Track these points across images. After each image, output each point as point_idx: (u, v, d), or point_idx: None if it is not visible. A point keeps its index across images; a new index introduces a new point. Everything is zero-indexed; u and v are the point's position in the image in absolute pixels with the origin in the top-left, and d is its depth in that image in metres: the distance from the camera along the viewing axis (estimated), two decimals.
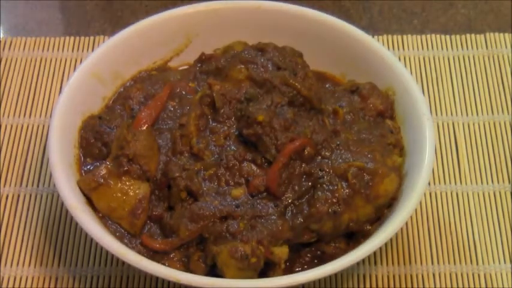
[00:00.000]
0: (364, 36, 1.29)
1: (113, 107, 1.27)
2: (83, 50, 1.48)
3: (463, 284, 1.22)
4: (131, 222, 1.16)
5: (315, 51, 1.31)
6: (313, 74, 1.23)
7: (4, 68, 1.45)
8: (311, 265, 1.15)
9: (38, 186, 1.31)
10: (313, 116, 1.20)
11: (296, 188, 1.14)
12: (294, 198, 1.14)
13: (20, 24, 1.56)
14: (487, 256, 1.25)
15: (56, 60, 1.46)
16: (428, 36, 1.50)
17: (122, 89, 1.30)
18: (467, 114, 1.40)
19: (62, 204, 1.27)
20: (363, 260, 1.22)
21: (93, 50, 1.44)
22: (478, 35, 1.50)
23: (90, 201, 1.16)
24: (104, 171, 1.16)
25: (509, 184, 1.32)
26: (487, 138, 1.37)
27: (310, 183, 1.14)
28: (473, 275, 1.23)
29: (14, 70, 1.44)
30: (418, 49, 1.48)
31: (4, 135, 1.36)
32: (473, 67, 1.46)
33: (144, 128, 1.20)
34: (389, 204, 1.17)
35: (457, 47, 1.48)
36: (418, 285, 1.22)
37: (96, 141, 1.22)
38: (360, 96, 1.24)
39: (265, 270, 1.12)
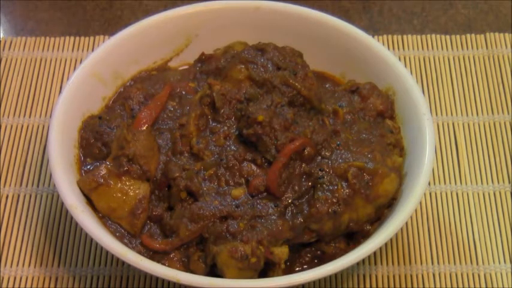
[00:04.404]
0: (364, 36, 1.29)
1: (113, 107, 1.27)
2: (83, 50, 1.48)
3: (463, 284, 1.22)
4: (131, 222, 1.16)
5: (315, 51, 1.31)
6: (313, 74, 1.23)
7: (4, 68, 1.45)
8: (311, 265, 1.15)
9: (38, 186, 1.31)
10: (313, 116, 1.20)
11: (296, 188, 1.14)
12: (294, 198, 1.14)
13: (20, 24, 1.56)
14: (487, 256, 1.25)
15: (56, 60, 1.46)
16: (428, 36, 1.50)
17: (121, 89, 1.30)
18: (467, 114, 1.40)
19: (62, 204, 1.27)
20: (363, 260, 1.22)
21: (93, 50, 1.44)
22: (478, 35, 1.50)
23: (90, 201, 1.16)
24: (104, 171, 1.16)
25: (509, 184, 1.32)
26: (487, 138, 1.37)
27: (310, 183, 1.14)
28: (473, 275, 1.23)
29: (14, 70, 1.45)
30: (418, 49, 1.48)
31: (4, 135, 1.36)
32: (473, 67, 1.46)
33: (144, 128, 1.20)
34: (390, 204, 1.17)
35: (457, 47, 1.48)
36: (418, 285, 1.22)
37: (96, 141, 1.22)
38: (360, 96, 1.24)
39: (265, 270, 1.12)
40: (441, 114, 1.40)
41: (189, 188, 1.14)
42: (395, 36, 1.50)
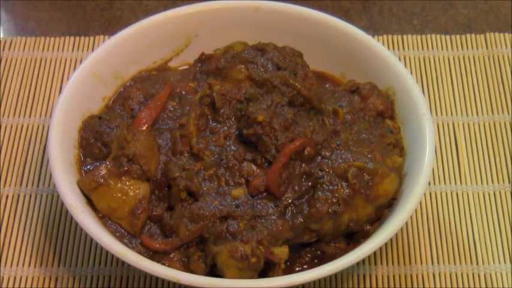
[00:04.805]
0: (364, 36, 1.29)
1: (113, 107, 1.27)
2: (83, 50, 1.48)
3: (463, 284, 1.22)
4: (131, 222, 1.16)
5: (315, 51, 1.31)
6: (313, 74, 1.23)
7: (4, 68, 1.45)
8: (311, 265, 1.15)
9: (38, 186, 1.31)
10: (313, 116, 1.20)
11: (296, 188, 1.14)
12: (294, 198, 1.14)
13: (20, 24, 1.56)
14: (487, 256, 1.25)
15: (56, 60, 1.46)
16: (428, 36, 1.50)
17: (122, 89, 1.30)
18: (467, 114, 1.40)
19: (62, 204, 1.27)
20: (363, 260, 1.22)
21: (93, 50, 1.44)
22: (478, 35, 1.50)
23: (90, 201, 1.16)
24: (104, 171, 1.16)
25: (509, 184, 1.32)
26: (487, 138, 1.37)
27: (310, 183, 1.14)
28: (473, 275, 1.23)
29: (14, 70, 1.45)
30: (418, 49, 1.48)
31: (4, 135, 1.36)
32: (473, 67, 1.46)
33: (144, 128, 1.20)
34: (390, 204, 1.17)
35: (457, 47, 1.48)
36: (418, 285, 1.22)
37: (96, 141, 1.22)
38: (360, 96, 1.24)
39: (265, 270, 1.12)
40: (441, 114, 1.40)
41: (189, 188, 1.14)
42: (395, 36, 1.50)
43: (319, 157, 1.16)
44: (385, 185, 1.14)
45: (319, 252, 1.17)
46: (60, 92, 1.39)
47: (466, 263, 1.24)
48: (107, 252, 1.22)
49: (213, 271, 1.12)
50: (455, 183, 1.32)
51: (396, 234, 1.20)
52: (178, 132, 1.19)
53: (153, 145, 1.18)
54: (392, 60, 1.26)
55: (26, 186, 1.31)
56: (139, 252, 1.13)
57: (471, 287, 1.22)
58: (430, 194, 1.31)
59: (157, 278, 1.21)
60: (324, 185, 1.13)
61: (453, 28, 1.54)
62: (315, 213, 1.12)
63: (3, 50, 1.47)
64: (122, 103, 1.26)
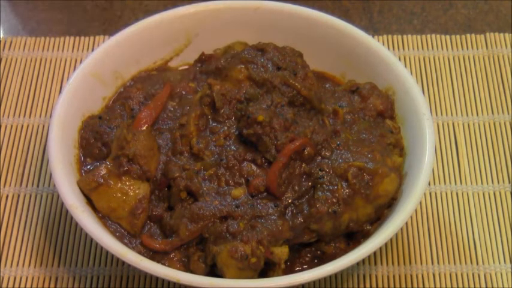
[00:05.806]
0: (364, 36, 1.29)
1: (113, 107, 1.27)
2: (83, 50, 1.48)
3: (463, 284, 1.22)
4: (131, 222, 1.16)
5: (315, 51, 1.31)
6: (313, 74, 1.23)
7: (4, 68, 1.45)
8: (311, 265, 1.15)
9: (38, 186, 1.31)
10: (313, 116, 1.20)
11: (296, 188, 1.14)
12: (294, 198, 1.14)
13: (20, 24, 1.56)
14: (487, 256, 1.25)
15: (56, 60, 1.46)
16: (428, 36, 1.50)
17: (122, 89, 1.30)
18: (467, 114, 1.40)
19: (62, 204, 1.27)
20: (363, 260, 1.22)
21: (93, 50, 1.44)
22: (478, 35, 1.50)
23: (90, 201, 1.16)
24: (104, 171, 1.16)
25: (509, 184, 1.32)
26: (487, 138, 1.37)
27: (310, 183, 1.14)
28: (473, 275, 1.23)
29: (14, 70, 1.44)
30: (418, 49, 1.48)
31: (4, 135, 1.36)
32: (473, 67, 1.46)
33: (144, 128, 1.20)
34: (390, 204, 1.17)
35: (457, 47, 1.48)
36: (418, 285, 1.22)
37: (96, 141, 1.22)
38: (360, 96, 1.24)
39: (265, 270, 1.12)
40: (441, 114, 1.40)
41: (189, 188, 1.14)
42: (395, 36, 1.50)
43: (319, 157, 1.16)
44: (385, 185, 1.14)
45: (319, 252, 1.17)
46: (60, 92, 1.39)
47: (466, 263, 1.24)
48: (107, 252, 1.22)
49: (213, 271, 1.12)
50: (455, 183, 1.32)
51: (396, 234, 1.20)
52: (178, 132, 1.19)
53: (153, 145, 1.18)
54: (393, 60, 1.26)
55: (26, 186, 1.31)
56: (140, 252, 1.13)
57: (471, 287, 1.22)
58: (430, 194, 1.31)
59: (157, 278, 1.21)
60: (324, 185, 1.13)
61: (453, 28, 1.54)
62: (315, 213, 1.12)
63: (3, 50, 1.47)
64: (122, 103, 1.26)
